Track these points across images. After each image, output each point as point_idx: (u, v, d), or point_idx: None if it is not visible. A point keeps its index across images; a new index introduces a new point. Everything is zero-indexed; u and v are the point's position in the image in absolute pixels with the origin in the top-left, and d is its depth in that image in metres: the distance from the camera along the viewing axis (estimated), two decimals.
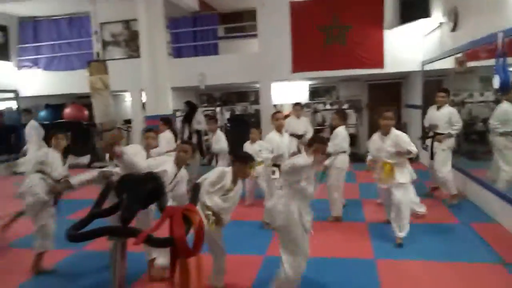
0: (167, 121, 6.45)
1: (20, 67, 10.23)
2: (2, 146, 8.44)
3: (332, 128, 5.30)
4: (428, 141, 5.66)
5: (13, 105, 9.90)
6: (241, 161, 3.24)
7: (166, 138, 6.06)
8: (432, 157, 5.55)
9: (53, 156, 3.92)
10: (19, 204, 6.27)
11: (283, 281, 3.00)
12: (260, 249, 4.25)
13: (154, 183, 2.19)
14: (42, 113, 10.35)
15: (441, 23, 6.84)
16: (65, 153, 4.09)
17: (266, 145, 4.92)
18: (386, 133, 4.22)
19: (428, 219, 4.88)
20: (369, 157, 4.55)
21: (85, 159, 10.00)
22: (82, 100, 10.58)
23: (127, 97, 10.80)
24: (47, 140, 4.26)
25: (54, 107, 10.56)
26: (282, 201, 3.01)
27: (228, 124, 10.49)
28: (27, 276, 3.80)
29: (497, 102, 4.91)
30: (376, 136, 4.37)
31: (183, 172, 3.55)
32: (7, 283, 3.70)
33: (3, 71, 9.77)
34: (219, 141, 6.69)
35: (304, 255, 3.06)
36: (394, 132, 4.19)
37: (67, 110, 10.03)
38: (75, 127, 9.87)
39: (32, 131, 7.19)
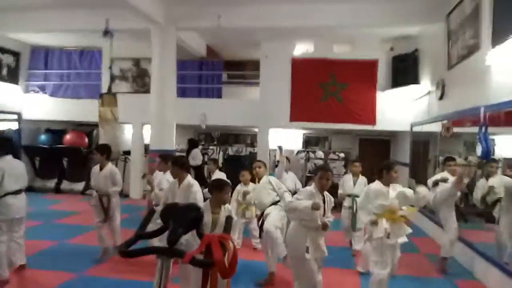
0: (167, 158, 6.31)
1: (27, 91, 10.54)
2: None
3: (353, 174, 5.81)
4: None
5: (15, 126, 10.07)
6: (216, 189, 3.34)
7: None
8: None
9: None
10: None
11: None
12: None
13: (196, 212, 2.50)
14: (42, 137, 10.50)
15: (429, 91, 7.54)
16: None
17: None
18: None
19: (412, 272, 5.11)
20: None
21: (80, 185, 10.10)
22: (83, 128, 10.84)
23: (126, 129, 11.09)
24: None
25: (54, 132, 10.74)
26: (291, 233, 3.42)
27: (222, 163, 10.76)
28: None
29: (480, 166, 5.43)
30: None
31: None
32: None
33: (9, 93, 10.05)
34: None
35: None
36: None
37: (68, 136, 10.22)
38: (74, 153, 10.06)
39: None
